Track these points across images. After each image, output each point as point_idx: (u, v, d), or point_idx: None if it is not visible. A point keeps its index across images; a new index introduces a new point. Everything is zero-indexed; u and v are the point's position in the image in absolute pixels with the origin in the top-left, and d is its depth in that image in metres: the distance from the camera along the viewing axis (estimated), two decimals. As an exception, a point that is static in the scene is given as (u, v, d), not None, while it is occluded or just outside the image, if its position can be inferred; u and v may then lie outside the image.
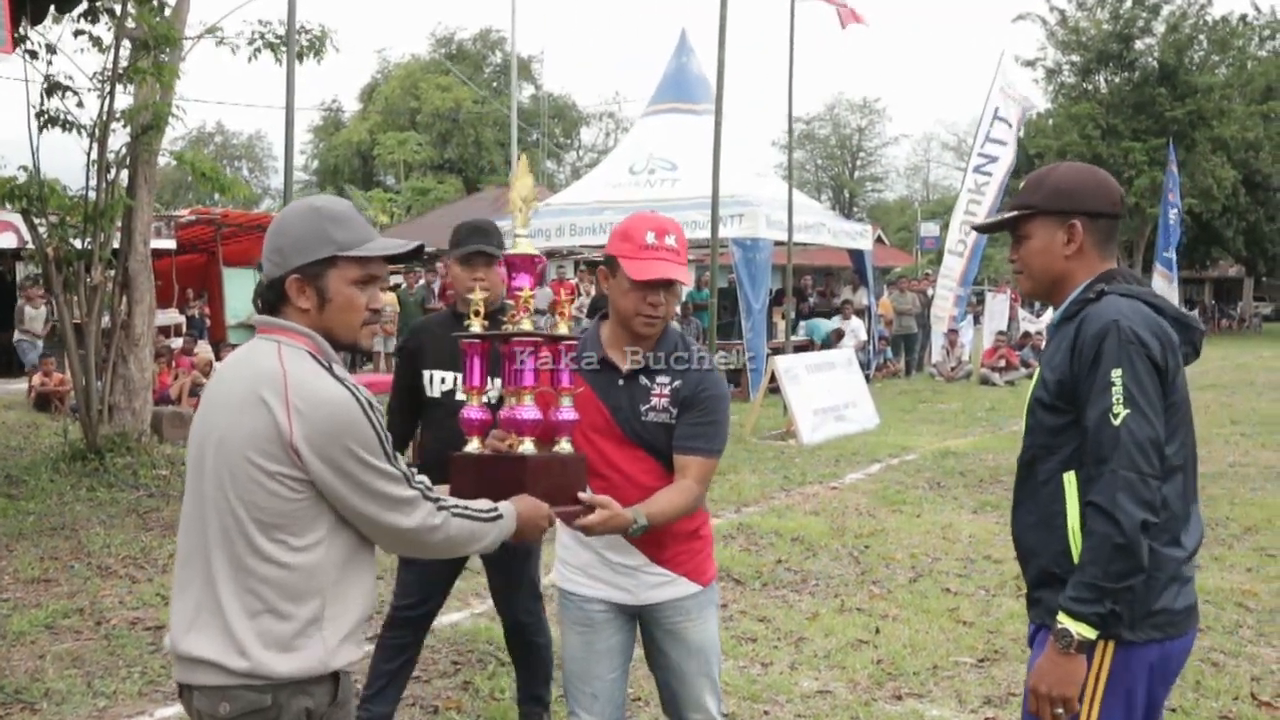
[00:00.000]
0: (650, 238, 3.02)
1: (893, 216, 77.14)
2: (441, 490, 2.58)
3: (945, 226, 28.20)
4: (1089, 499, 2.45)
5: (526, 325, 2.89)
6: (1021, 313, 26.38)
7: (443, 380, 4.30)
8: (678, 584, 3.25)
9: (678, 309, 13.43)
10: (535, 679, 4.55)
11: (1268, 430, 14.11)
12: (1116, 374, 2.43)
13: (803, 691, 5.08)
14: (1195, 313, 30.47)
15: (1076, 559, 2.48)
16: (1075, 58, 45.03)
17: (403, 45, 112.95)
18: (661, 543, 3.17)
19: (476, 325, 2.95)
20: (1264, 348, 34.88)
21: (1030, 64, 45.36)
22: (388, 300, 18.51)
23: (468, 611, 6.29)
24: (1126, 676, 2.48)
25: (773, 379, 13.36)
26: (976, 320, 25.93)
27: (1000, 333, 22.83)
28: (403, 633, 4.47)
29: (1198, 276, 55.52)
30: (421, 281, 19.87)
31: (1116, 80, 43.97)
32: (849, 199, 79.95)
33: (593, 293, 19.75)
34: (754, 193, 16.95)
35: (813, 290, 20.82)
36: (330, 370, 2.37)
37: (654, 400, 3.16)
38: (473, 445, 2.92)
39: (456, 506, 2.50)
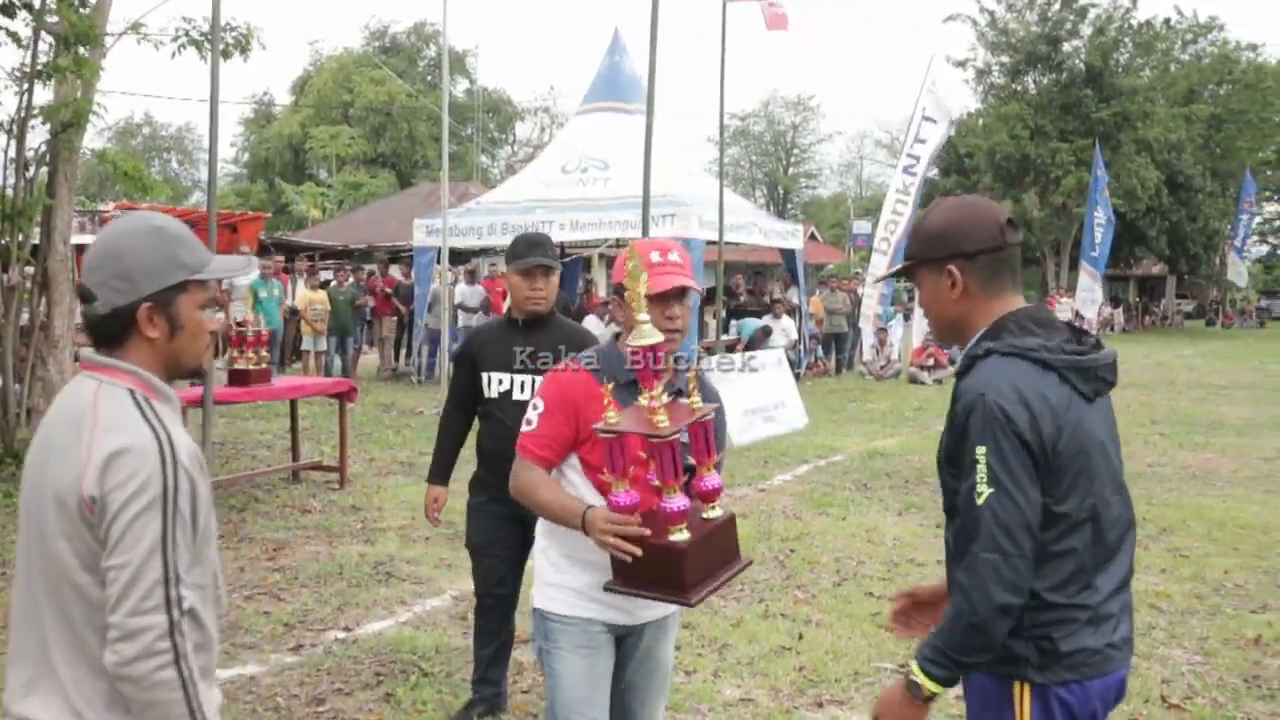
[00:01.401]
0: (655, 256, 3.09)
1: (826, 213, 77.66)
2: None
3: (878, 223, 28.48)
4: (955, 573, 2.46)
5: (662, 419, 2.83)
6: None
7: (500, 382, 4.66)
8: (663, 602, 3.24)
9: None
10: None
11: (1186, 430, 14.42)
12: (980, 452, 2.37)
13: (725, 700, 5.12)
14: (1119, 311, 30.99)
15: None
16: (1004, 59, 45.68)
17: (335, 38, 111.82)
18: None
19: (665, 418, 2.82)
20: (1185, 345, 35.65)
21: (961, 64, 45.95)
22: (318, 298, 18.33)
23: (391, 620, 6.25)
24: (1046, 717, 2.48)
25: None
26: (907, 318, 26.21)
27: (929, 331, 23.04)
28: (493, 617, 4.82)
29: (1123, 274, 56.54)
30: (350, 280, 19.68)
31: (1045, 81, 44.64)
32: (783, 195, 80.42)
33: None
34: (686, 192, 16.99)
35: (744, 289, 20.90)
36: (144, 413, 2.15)
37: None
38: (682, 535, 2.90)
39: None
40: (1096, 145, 37.03)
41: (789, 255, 20.65)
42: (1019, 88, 45.44)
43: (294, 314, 18.81)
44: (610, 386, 2.87)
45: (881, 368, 21.07)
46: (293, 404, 10.53)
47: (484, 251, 22.41)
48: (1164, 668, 5.60)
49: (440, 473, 4.89)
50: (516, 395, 4.60)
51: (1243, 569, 7.44)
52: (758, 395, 13.40)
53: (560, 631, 3.16)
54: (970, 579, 2.38)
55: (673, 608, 3.25)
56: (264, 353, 9.31)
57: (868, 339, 21.77)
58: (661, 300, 3.05)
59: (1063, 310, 35.09)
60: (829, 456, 12.00)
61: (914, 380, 20.34)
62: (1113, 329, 41.88)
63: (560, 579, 3.17)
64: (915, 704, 2.46)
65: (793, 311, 20.13)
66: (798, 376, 16.87)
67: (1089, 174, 36.39)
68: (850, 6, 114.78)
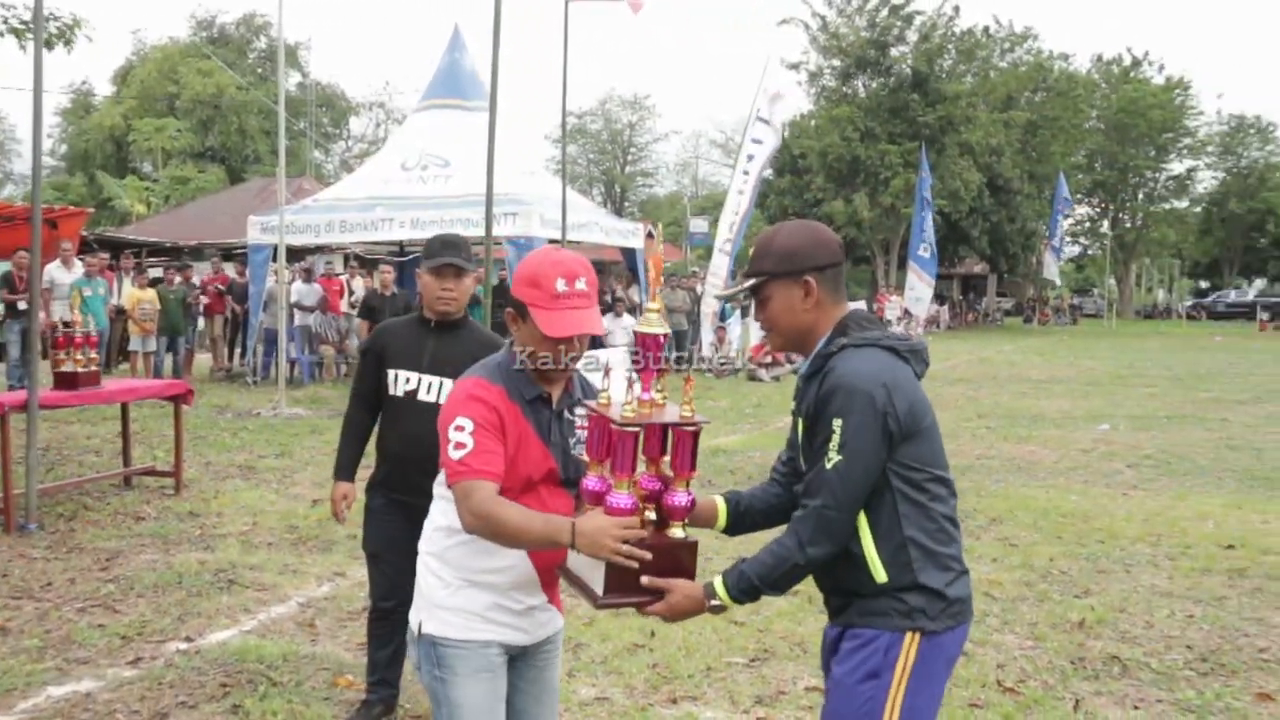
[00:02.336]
0: (561, 284, 2.82)
1: (663, 211, 78.33)
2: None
3: (714, 222, 28.88)
4: (793, 523, 2.74)
5: (673, 412, 2.77)
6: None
7: (406, 380, 4.60)
8: (556, 618, 3.16)
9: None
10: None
11: (1010, 424, 15.04)
12: (836, 424, 2.65)
13: (581, 699, 5.15)
14: (945, 308, 32.23)
15: (878, 580, 2.72)
16: (836, 62, 46.89)
17: (160, 26, 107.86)
18: (554, 577, 3.05)
19: (629, 410, 2.72)
20: (1005, 341, 37.14)
21: (794, 67, 46.94)
22: (146, 297, 17.70)
23: (235, 629, 6.09)
24: (931, 663, 2.74)
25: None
26: (744, 314, 26.64)
27: (771, 340, 23.48)
28: (389, 622, 4.73)
29: (947, 273, 58.57)
30: (179, 279, 19.05)
31: (874, 85, 45.98)
32: (620, 194, 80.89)
33: (363, 287, 19.38)
34: (527, 191, 16.98)
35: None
36: None
37: (579, 433, 3.00)
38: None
39: None
40: (923, 148, 38.35)
41: (629, 254, 20.80)
42: (849, 91, 46.74)
43: (120, 313, 18.13)
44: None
45: (721, 365, 21.38)
46: (124, 407, 10.16)
47: (320, 249, 21.96)
48: (998, 653, 5.85)
49: (347, 469, 4.81)
50: (422, 395, 4.57)
51: (1066, 556, 7.80)
52: (601, 394, 13.46)
53: (457, 658, 2.94)
54: (805, 529, 2.68)
55: (559, 622, 3.15)
56: (93, 354, 8.93)
57: (707, 337, 22.07)
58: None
59: (892, 308, 36.23)
60: (672, 454, 12.11)
61: (753, 377, 20.71)
62: (938, 326, 43.38)
63: (455, 602, 2.95)
64: (706, 609, 2.77)
65: (633, 310, 20.28)
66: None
67: (916, 176, 37.67)
68: (685, 6, 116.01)
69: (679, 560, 2.79)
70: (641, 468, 2.79)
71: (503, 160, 13.77)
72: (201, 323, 20.26)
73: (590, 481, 2.82)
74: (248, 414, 14.65)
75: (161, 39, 57.88)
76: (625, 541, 2.66)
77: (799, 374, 2.92)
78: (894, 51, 45.62)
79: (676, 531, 2.81)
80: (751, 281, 2.84)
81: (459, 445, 2.78)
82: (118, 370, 18.16)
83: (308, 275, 19.42)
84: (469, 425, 2.79)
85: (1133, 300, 65.64)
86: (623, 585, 2.71)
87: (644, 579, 2.71)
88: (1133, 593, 6.95)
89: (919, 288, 37.48)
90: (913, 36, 45.67)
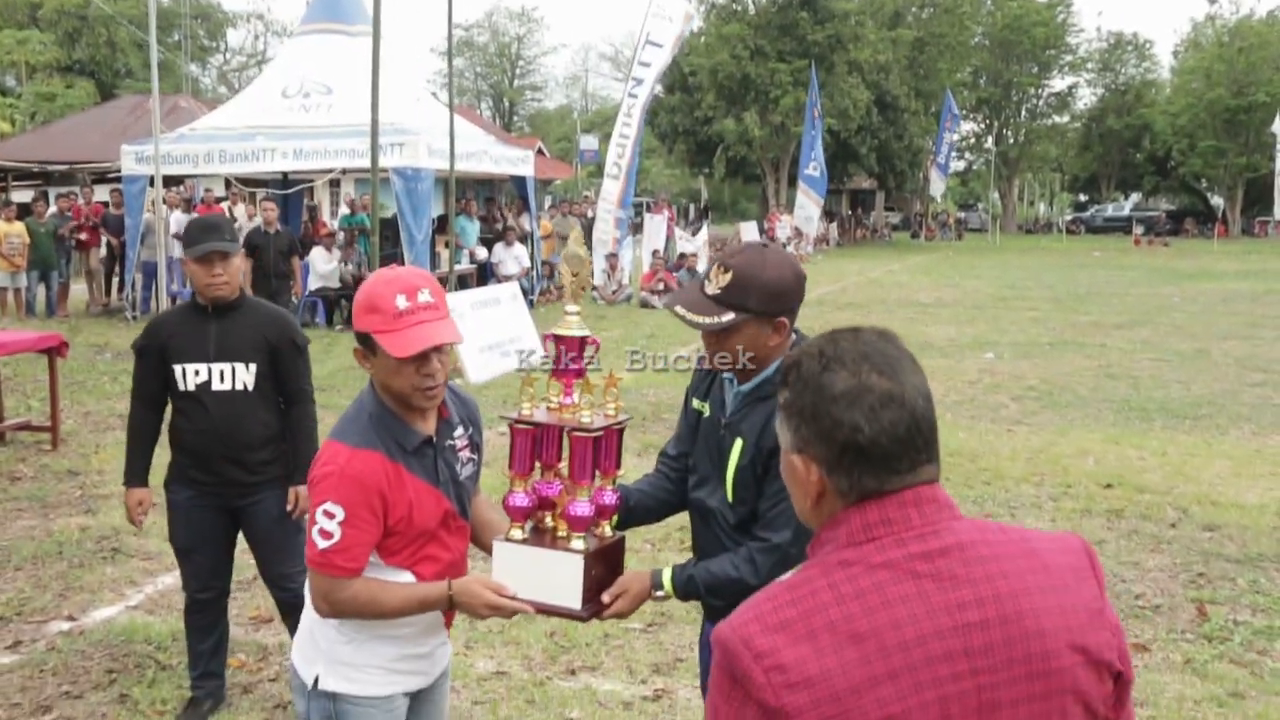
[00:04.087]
0: (402, 301, 2.63)
1: (553, 126, 77.59)
2: None
3: (605, 139, 28.57)
4: (753, 552, 2.75)
5: (586, 417, 2.74)
6: (679, 233, 27.26)
7: (196, 373, 4.44)
8: (448, 647, 3.06)
9: (360, 252, 12.76)
10: None
11: (899, 353, 15.24)
12: None
13: (479, 673, 5.13)
14: (834, 225, 32.41)
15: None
16: (725, -22, 46.48)
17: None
18: (454, 615, 2.95)
19: (528, 408, 2.78)
20: (893, 260, 37.64)
21: (683, -19, 46.39)
22: (14, 230, 16.98)
23: (121, 605, 5.94)
24: None
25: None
26: (637, 232, 26.53)
27: (656, 253, 23.49)
28: (208, 613, 4.69)
29: (835, 189, 59.04)
30: (53, 209, 18.30)
31: (764, 2, 45.71)
32: (509, 108, 79.72)
33: (245, 215, 18.85)
34: (414, 120, 16.57)
35: (475, 214, 20.66)
36: None
37: (461, 454, 2.90)
38: (517, 533, 2.79)
39: None
40: (812, 66, 38.38)
41: (519, 181, 20.52)
42: (739, 8, 46.42)
43: (-13, 248, 17.38)
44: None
45: (613, 292, 21.32)
46: (-6, 359, 9.78)
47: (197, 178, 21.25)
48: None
49: (140, 474, 4.63)
50: (217, 385, 4.44)
51: (956, 499, 7.95)
52: (494, 330, 13.33)
53: (360, 715, 2.81)
54: (766, 562, 2.70)
55: (450, 646, 3.08)
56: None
57: (599, 264, 21.95)
58: (416, 357, 2.66)
59: (783, 228, 36.43)
60: (566, 393, 12.06)
61: (645, 305, 20.69)
62: (828, 244, 43.76)
63: (359, 658, 2.80)
64: (650, 597, 2.86)
65: (524, 238, 20.07)
66: (531, 304, 16.87)
67: (806, 94, 37.72)
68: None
69: (617, 557, 2.91)
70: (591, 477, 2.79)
71: (388, 88, 13.46)
72: (75, 256, 19.51)
73: (517, 498, 2.79)
74: (128, 354, 14.14)
75: (21, -55, 54.93)
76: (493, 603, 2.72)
77: (736, 394, 2.84)
78: (783, -33, 45.38)
79: (606, 530, 2.87)
80: (730, 318, 2.69)
81: (325, 534, 2.62)
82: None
83: (187, 205, 18.79)
84: (339, 513, 2.62)
85: (1016, 215, 66.96)
86: (589, 595, 2.76)
87: (605, 595, 2.80)
88: (1017, 539, 7.13)
89: (808, 206, 37.71)
90: (802, -49, 45.45)
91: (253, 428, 4.49)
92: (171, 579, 6.30)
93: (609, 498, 2.83)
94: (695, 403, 3.00)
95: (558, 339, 2.82)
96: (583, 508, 2.76)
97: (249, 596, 5.96)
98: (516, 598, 2.71)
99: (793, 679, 1.42)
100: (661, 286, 21.17)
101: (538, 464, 2.84)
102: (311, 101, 16.95)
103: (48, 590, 6.12)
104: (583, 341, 2.81)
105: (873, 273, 31.21)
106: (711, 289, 2.72)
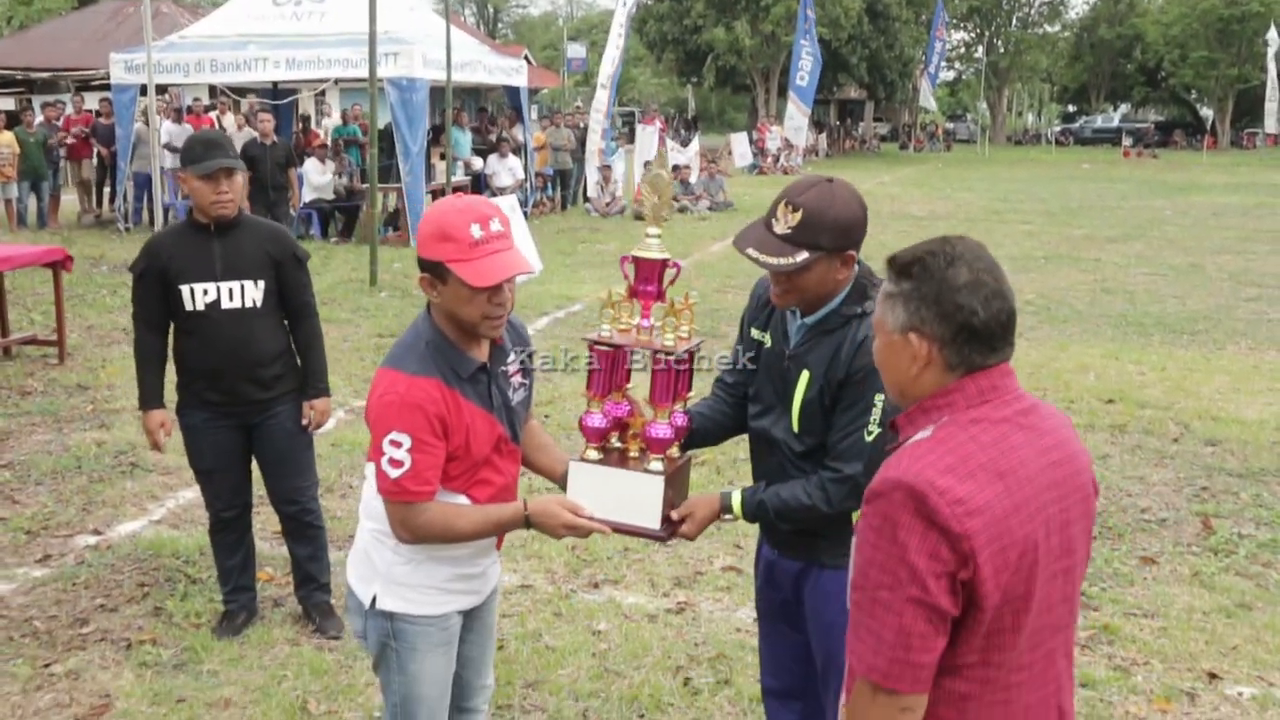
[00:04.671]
0: (476, 230, 2.61)
1: (538, 33, 76.42)
2: None
3: (593, 46, 28.25)
4: (824, 481, 2.80)
5: (670, 339, 2.79)
6: (670, 143, 27.06)
7: (205, 292, 4.41)
8: (498, 565, 3.12)
9: (351, 163, 12.70)
10: (316, 563, 4.84)
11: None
12: (879, 398, 2.69)
13: (505, 587, 5.21)
14: (823, 136, 32.27)
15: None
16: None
17: None
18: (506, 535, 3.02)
19: (609, 330, 2.83)
20: (883, 171, 37.47)
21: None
22: (4, 140, 16.78)
23: (145, 520, 6.01)
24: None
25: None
26: (629, 142, 26.33)
27: (648, 164, 23.31)
28: (234, 529, 4.75)
29: (824, 99, 58.54)
30: (40, 119, 18.06)
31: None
32: (493, 15, 78.49)
33: (235, 125, 18.64)
34: (408, 29, 16.33)
35: (468, 126, 20.46)
36: None
37: (513, 380, 2.93)
38: (593, 454, 2.85)
39: None
40: (804, -26, 37.83)
41: (513, 92, 20.31)
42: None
43: (-23, 159, 17.19)
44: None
45: (607, 204, 21.23)
46: (-2, 275, 9.72)
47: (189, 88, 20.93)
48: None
49: (155, 396, 4.62)
50: (226, 303, 4.43)
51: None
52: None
53: (418, 634, 2.89)
54: (838, 492, 2.77)
55: (499, 565, 3.15)
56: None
57: (592, 176, 21.82)
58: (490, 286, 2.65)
59: (773, 138, 36.24)
60: (568, 307, 12.11)
61: (639, 216, 20.57)
62: (817, 155, 43.53)
63: (415, 578, 2.86)
64: (717, 519, 2.95)
65: (518, 150, 19.91)
66: (525, 216, 16.80)
67: (797, 3, 37.21)
68: None
69: (684, 478, 3.00)
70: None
71: (383, -3, 13.23)
72: (66, 166, 19.31)
73: (593, 419, 2.85)
74: (123, 267, 14.05)
75: None
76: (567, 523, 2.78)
77: (800, 326, 2.86)
78: None
79: (674, 451, 2.89)
80: (805, 257, 2.67)
81: (395, 463, 2.65)
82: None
83: (178, 115, 18.56)
84: (406, 441, 2.64)
85: (1004, 126, 66.59)
86: (665, 516, 2.85)
87: (673, 513, 2.89)
88: (1023, 454, 7.24)
89: (797, 117, 37.43)
90: None
91: (264, 343, 4.52)
92: (192, 494, 6.36)
93: (682, 420, 2.88)
94: (755, 333, 3.01)
95: (637, 261, 2.82)
96: (663, 430, 2.82)
97: (270, 511, 6.01)
98: (594, 518, 2.76)
99: (970, 508, 1.80)
100: (655, 199, 21.06)
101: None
102: (303, 9, 16.68)
103: (70, 505, 6.18)
104: (663, 264, 2.82)
105: (863, 185, 30.96)
106: (780, 228, 2.69)
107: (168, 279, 4.41)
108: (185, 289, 4.41)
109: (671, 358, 2.78)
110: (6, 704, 4.17)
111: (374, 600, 2.90)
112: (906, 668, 1.82)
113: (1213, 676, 4.53)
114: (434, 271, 2.68)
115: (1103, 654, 4.69)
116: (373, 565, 2.91)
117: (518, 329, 3.01)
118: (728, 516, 2.93)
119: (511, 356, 2.93)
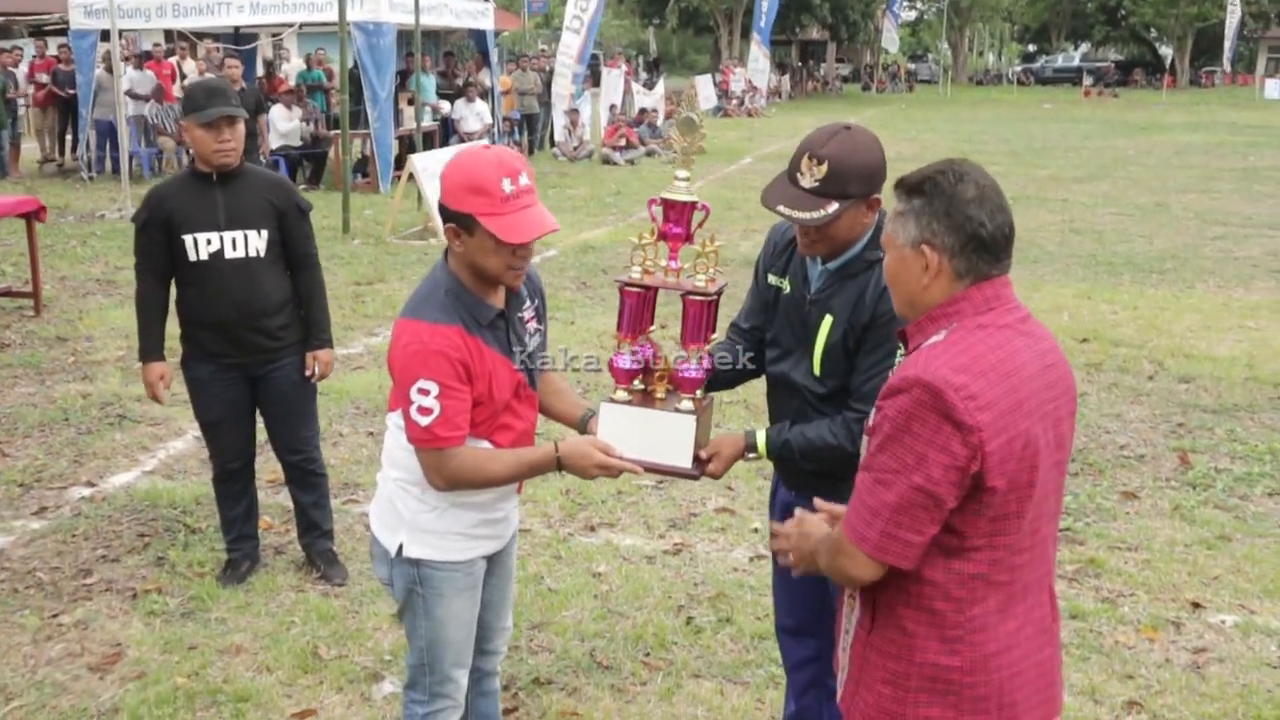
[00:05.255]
0: (507, 185, 2.62)
1: (496, -25, 75.18)
2: None
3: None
4: (848, 421, 2.87)
5: (701, 280, 2.84)
6: (635, 87, 26.92)
7: (209, 242, 4.40)
8: (517, 511, 3.16)
9: (316, 109, 12.56)
10: (320, 510, 4.89)
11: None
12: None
13: (502, 531, 5.28)
14: (786, 77, 31.92)
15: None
16: None
17: None
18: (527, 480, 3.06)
19: (639, 271, 2.87)
20: (848, 112, 37.27)
21: None
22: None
23: (138, 470, 6.02)
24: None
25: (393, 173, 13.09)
26: (594, 85, 26.12)
27: (614, 107, 23.22)
28: (238, 479, 4.79)
29: (785, 40, 58.26)
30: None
31: None
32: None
33: (196, 71, 18.36)
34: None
35: (433, 70, 20.25)
36: None
37: (529, 326, 2.95)
38: (622, 394, 2.89)
39: None
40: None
41: (479, 35, 20.12)
42: None
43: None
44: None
45: (575, 149, 21.13)
46: (-33, 224, 9.63)
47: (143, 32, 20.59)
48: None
49: (157, 348, 4.62)
50: (230, 253, 4.42)
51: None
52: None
53: (445, 580, 2.94)
54: (862, 430, 2.75)
55: (518, 516, 3.19)
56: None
57: (559, 120, 21.70)
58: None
59: (737, 80, 36.09)
60: (541, 253, 12.09)
61: (607, 161, 20.55)
62: (780, 97, 43.40)
63: (441, 525, 2.91)
64: (741, 457, 3.01)
65: (485, 94, 19.76)
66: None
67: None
68: None
69: (708, 419, 3.04)
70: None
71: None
72: (27, 113, 18.99)
73: (623, 360, 2.91)
74: (91, 216, 13.98)
75: None
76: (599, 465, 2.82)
77: (822, 271, 2.90)
78: None
79: (698, 392, 2.96)
80: (835, 208, 2.70)
81: (424, 410, 2.69)
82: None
83: (139, 62, 18.26)
84: (434, 389, 2.68)
85: (966, 66, 66.55)
86: (694, 455, 2.92)
87: (701, 452, 2.94)
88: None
89: (761, 60, 37.32)
90: None
91: (270, 293, 4.51)
92: (183, 444, 6.40)
93: (709, 361, 2.95)
94: (772, 278, 3.05)
95: (666, 204, 2.86)
96: (693, 369, 2.89)
97: (263, 460, 6.03)
98: (625, 458, 2.81)
99: (981, 403, 1.98)
100: (624, 142, 21.02)
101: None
102: (268, -48, 16.39)
103: (61, 457, 6.18)
104: (692, 207, 2.86)
105: (829, 126, 30.92)
106: (807, 182, 2.73)
107: (170, 228, 4.40)
108: (189, 239, 4.39)
109: (704, 299, 2.84)
110: (18, 654, 4.21)
111: (400, 548, 2.94)
112: (894, 542, 2.03)
113: (1196, 606, 4.68)
114: (461, 222, 2.68)
115: (1090, 586, 4.83)
116: (398, 514, 2.95)
117: (532, 278, 3.03)
118: (752, 455, 2.98)
119: (527, 304, 2.96)
